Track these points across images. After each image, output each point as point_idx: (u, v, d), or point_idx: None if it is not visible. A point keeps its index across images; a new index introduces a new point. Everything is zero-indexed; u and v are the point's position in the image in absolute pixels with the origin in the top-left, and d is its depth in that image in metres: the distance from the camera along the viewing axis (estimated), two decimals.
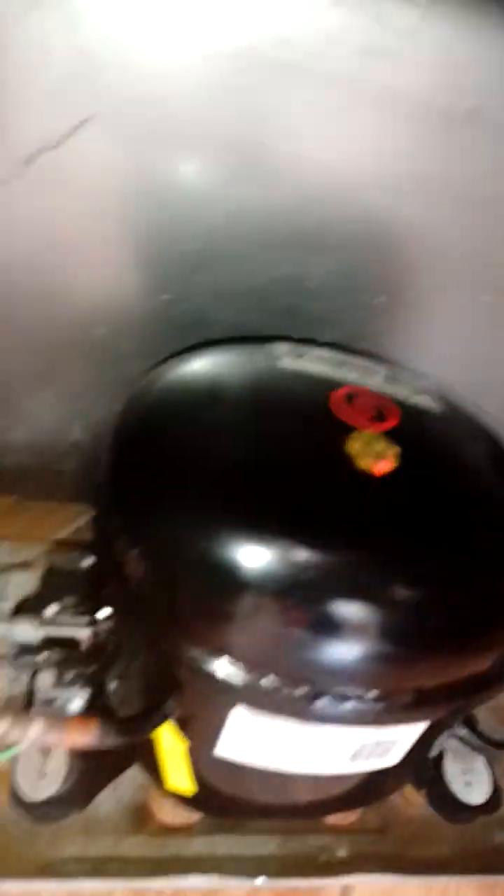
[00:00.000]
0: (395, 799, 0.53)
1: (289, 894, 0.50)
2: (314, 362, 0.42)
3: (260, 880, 0.47)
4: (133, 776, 0.51)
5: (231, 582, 0.33)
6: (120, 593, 0.38)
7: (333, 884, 0.50)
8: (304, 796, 0.45)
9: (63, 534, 0.68)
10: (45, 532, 0.67)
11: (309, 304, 0.50)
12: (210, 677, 0.35)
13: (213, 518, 0.33)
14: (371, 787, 0.44)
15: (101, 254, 0.50)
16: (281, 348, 0.43)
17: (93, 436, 0.60)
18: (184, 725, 0.40)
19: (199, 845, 0.49)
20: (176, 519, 0.34)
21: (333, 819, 0.51)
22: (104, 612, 0.44)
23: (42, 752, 0.47)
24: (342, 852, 0.50)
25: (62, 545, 0.52)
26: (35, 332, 0.54)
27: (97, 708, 0.44)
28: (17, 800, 0.46)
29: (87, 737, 0.36)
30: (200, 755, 0.41)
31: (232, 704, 0.36)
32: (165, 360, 0.45)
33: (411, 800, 0.53)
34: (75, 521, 0.69)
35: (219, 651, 0.35)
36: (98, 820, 0.49)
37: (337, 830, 0.51)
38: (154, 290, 0.51)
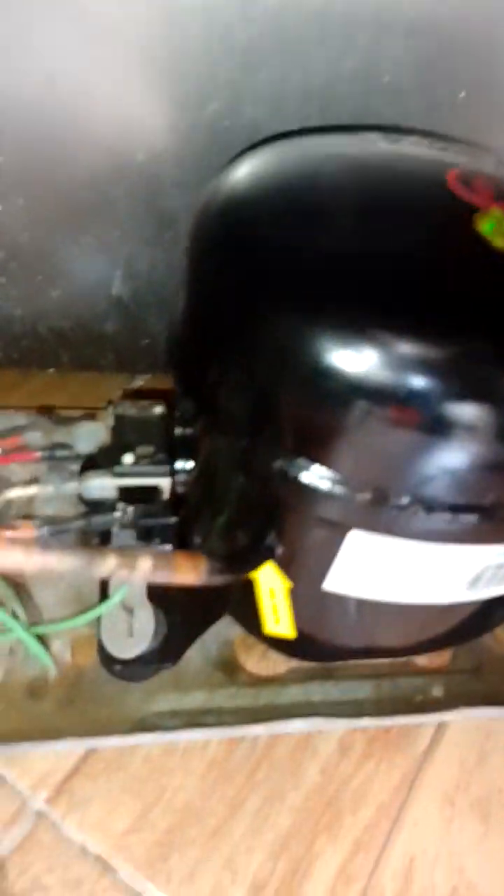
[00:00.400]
0: (486, 640, 0.52)
1: (382, 737, 0.49)
2: (415, 146, 0.36)
3: (364, 721, 0.46)
4: (217, 632, 0.50)
5: (348, 386, 0.29)
6: (213, 421, 0.34)
7: (432, 721, 0.49)
8: (409, 632, 0.43)
9: None
10: (91, 404, 0.64)
11: (379, 105, 0.44)
12: (323, 499, 0.32)
13: (334, 312, 0.29)
14: (482, 619, 0.43)
15: (131, 60, 0.43)
16: (371, 135, 0.37)
17: (133, 289, 0.55)
18: (288, 562, 0.37)
19: (293, 693, 0.47)
20: (285, 319, 0.30)
21: (425, 661, 0.50)
22: (185, 461, 0.41)
23: (127, 610, 0.45)
24: (437, 692, 0.49)
25: (128, 395, 0.48)
26: (66, 172, 0.48)
27: None
28: (106, 659, 0.44)
29: (194, 573, 0.33)
30: (304, 594, 0.39)
31: (346, 528, 0.34)
32: (237, 156, 0.40)
33: (503, 640, 0.52)
34: (119, 392, 0.65)
35: (332, 470, 0.32)
36: (188, 675, 0.47)
37: (430, 672, 0.50)
38: (198, 99, 0.44)
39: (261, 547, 0.36)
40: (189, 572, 0.33)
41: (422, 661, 0.51)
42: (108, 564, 0.31)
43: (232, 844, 0.44)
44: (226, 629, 0.50)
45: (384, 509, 0.32)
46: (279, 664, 0.50)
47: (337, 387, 0.29)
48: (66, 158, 0.47)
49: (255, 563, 0.36)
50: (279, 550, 0.36)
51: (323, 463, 0.31)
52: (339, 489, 0.32)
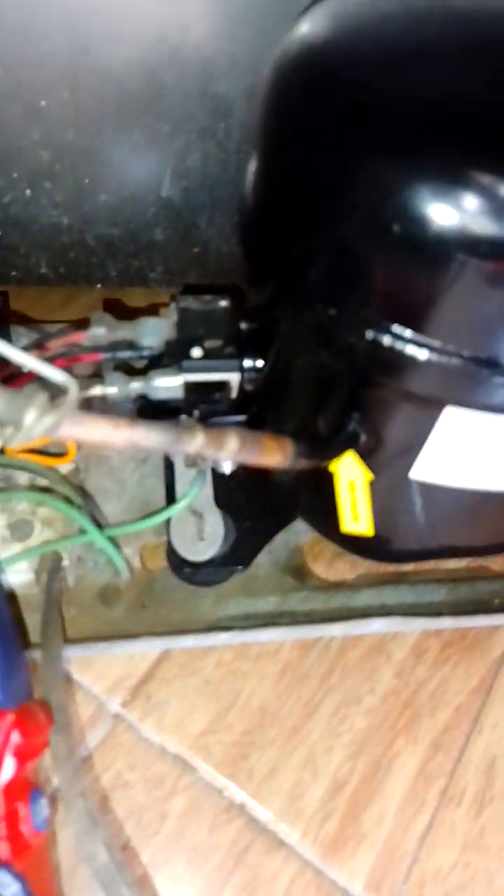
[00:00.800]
0: None
1: (457, 642, 0.48)
2: None
3: (444, 621, 0.45)
4: (285, 539, 0.49)
5: (450, 238, 0.27)
6: (294, 297, 0.32)
7: None
8: (491, 530, 0.41)
9: None
10: None
11: None
12: (416, 371, 0.30)
13: (435, 158, 0.26)
14: None
15: None
16: None
17: (184, 190, 0.52)
18: (372, 449, 0.35)
19: (366, 597, 0.47)
20: (382, 170, 0.27)
21: (501, 566, 0.49)
22: (254, 356, 0.39)
23: (196, 514, 0.44)
24: None
25: (190, 289, 0.46)
26: (113, 57, 0.45)
27: None
28: (177, 564, 0.43)
29: (280, 454, 0.32)
30: (387, 485, 0.37)
31: (441, 405, 0.32)
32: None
33: None
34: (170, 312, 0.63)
35: (428, 336, 0.30)
36: (258, 580, 0.47)
37: None
38: None
39: (344, 433, 0.34)
40: (275, 453, 0.31)
41: (497, 566, 0.49)
42: (195, 441, 0.29)
43: (310, 745, 0.44)
44: (293, 536, 0.49)
45: (485, 381, 0.29)
46: (347, 570, 0.49)
47: (438, 239, 0.27)
48: (114, 41, 0.44)
49: (340, 449, 0.34)
50: (363, 437, 0.34)
51: (418, 329, 0.29)
52: (435, 358, 0.30)
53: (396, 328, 0.29)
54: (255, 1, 0.42)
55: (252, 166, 0.36)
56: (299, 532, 0.49)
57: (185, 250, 0.57)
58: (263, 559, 0.47)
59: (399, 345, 0.30)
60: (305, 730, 0.44)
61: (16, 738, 0.31)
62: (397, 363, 0.30)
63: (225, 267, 0.58)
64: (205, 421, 0.41)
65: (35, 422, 0.25)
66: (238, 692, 0.45)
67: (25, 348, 0.41)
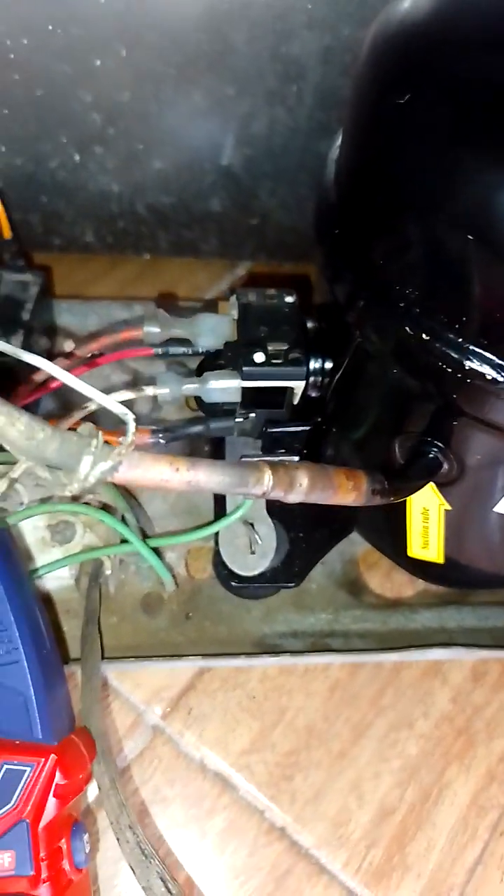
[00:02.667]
0: None
1: None
2: None
3: None
4: (340, 549, 0.46)
5: None
6: (377, 304, 0.28)
7: None
8: None
9: (209, 296, 0.58)
10: (187, 295, 0.58)
11: None
12: None
13: None
14: None
15: None
16: None
17: (247, 158, 0.47)
18: (454, 480, 0.32)
19: (425, 618, 0.44)
20: (492, 170, 0.23)
21: None
22: (321, 360, 0.35)
23: (247, 524, 0.41)
24: None
25: (251, 282, 0.42)
26: (176, 13, 0.40)
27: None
28: (225, 576, 0.41)
29: (354, 493, 0.28)
30: (466, 516, 0.34)
31: None
32: None
33: None
34: (219, 281, 0.59)
35: None
36: (310, 594, 0.44)
37: None
38: None
39: (423, 462, 0.30)
40: (350, 493, 0.28)
41: None
42: (263, 483, 0.26)
43: (357, 769, 0.41)
44: (349, 546, 0.46)
45: None
46: (405, 585, 0.46)
47: None
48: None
49: (419, 483, 0.30)
50: (444, 467, 0.31)
51: None
52: None
53: (491, 352, 0.25)
54: None
55: (336, 151, 0.31)
56: (355, 542, 0.46)
57: (242, 222, 0.52)
58: (316, 571, 0.44)
59: (493, 372, 0.26)
60: (353, 753, 0.42)
61: (58, 778, 0.29)
62: (496, 397, 0.26)
63: (285, 241, 0.54)
64: (264, 429, 0.38)
65: (90, 469, 0.22)
66: (283, 710, 0.42)
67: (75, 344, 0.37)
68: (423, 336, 0.26)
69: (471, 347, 0.26)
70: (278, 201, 0.50)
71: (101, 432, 0.23)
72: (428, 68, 0.24)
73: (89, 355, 0.37)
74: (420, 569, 0.40)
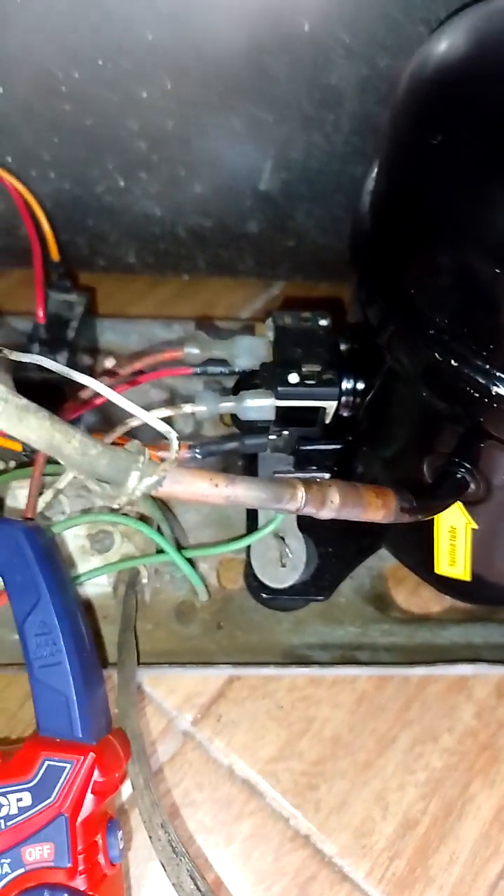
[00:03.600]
0: None
1: None
2: None
3: None
4: (369, 565, 0.47)
5: None
6: (407, 327, 0.29)
7: None
8: None
9: (244, 315, 0.60)
10: (224, 313, 0.60)
11: None
12: None
13: None
14: None
15: None
16: None
17: (284, 182, 0.49)
18: (482, 500, 0.33)
19: (452, 634, 0.44)
20: None
21: None
22: (353, 381, 0.37)
23: (278, 537, 0.42)
24: None
25: (287, 306, 0.43)
26: (220, 44, 0.42)
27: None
28: (255, 587, 0.42)
29: (384, 510, 0.29)
30: (494, 536, 0.34)
31: None
32: (454, 13, 0.32)
33: None
34: (255, 300, 0.61)
35: None
36: (338, 607, 0.45)
37: None
38: None
39: (451, 482, 0.31)
40: (379, 510, 0.29)
41: None
42: (297, 499, 0.27)
43: (382, 780, 0.42)
44: (377, 561, 0.46)
45: None
46: (432, 600, 0.47)
47: None
48: (223, 29, 0.41)
49: (445, 503, 0.31)
50: (472, 487, 0.32)
51: None
52: None
53: None
54: None
55: (372, 180, 0.32)
56: (383, 557, 0.46)
57: (278, 243, 0.54)
58: (345, 585, 0.45)
59: None
60: (378, 764, 0.43)
61: (96, 776, 0.31)
62: None
63: (320, 260, 0.55)
64: (296, 447, 0.39)
65: (137, 484, 0.23)
66: (311, 720, 0.43)
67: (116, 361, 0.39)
68: (452, 362, 0.27)
69: (498, 374, 0.27)
70: (314, 223, 0.51)
71: (147, 449, 0.24)
72: (460, 109, 0.26)
73: (130, 373, 0.39)
74: (447, 586, 0.41)
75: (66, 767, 0.30)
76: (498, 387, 0.27)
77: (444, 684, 0.45)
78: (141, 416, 0.25)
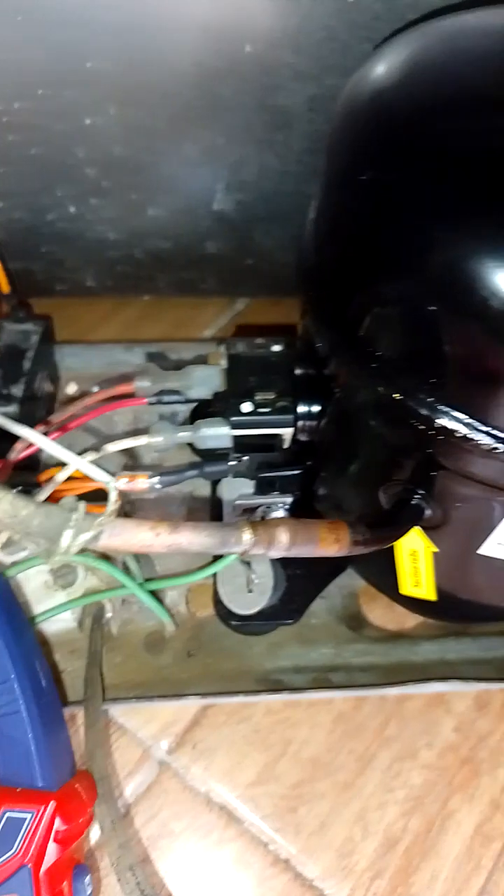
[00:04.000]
0: None
1: None
2: None
3: None
4: (340, 584, 0.46)
5: None
6: (353, 361, 0.29)
7: None
8: None
9: (208, 333, 0.60)
10: (189, 333, 0.59)
11: None
12: (489, 461, 0.27)
13: None
14: None
15: None
16: None
17: (239, 202, 0.49)
18: (438, 526, 0.32)
19: (427, 650, 0.44)
20: (460, 238, 0.23)
21: None
22: (310, 406, 0.37)
23: (244, 563, 0.42)
24: None
25: (240, 332, 0.43)
26: (165, 70, 0.41)
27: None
28: (224, 615, 0.42)
29: (336, 545, 0.29)
30: (453, 558, 0.34)
31: None
32: (385, 40, 0.32)
33: None
34: (220, 318, 0.60)
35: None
36: (312, 629, 0.45)
37: None
38: None
39: (407, 510, 0.31)
40: (332, 545, 0.29)
41: None
42: (243, 542, 0.27)
43: (362, 800, 0.42)
44: (349, 580, 0.46)
45: None
46: (406, 615, 0.46)
47: None
48: (166, 54, 0.40)
49: (402, 531, 0.31)
50: (428, 513, 0.32)
51: (494, 419, 0.26)
52: None
53: (466, 413, 0.26)
54: (319, 9, 0.38)
55: (314, 206, 0.32)
56: (354, 575, 0.46)
57: (239, 262, 0.53)
58: (318, 606, 0.45)
59: (473, 434, 0.26)
60: (358, 784, 0.42)
61: (58, 824, 0.31)
62: (470, 453, 0.27)
63: (282, 277, 0.55)
64: (256, 474, 0.39)
65: (72, 542, 0.23)
66: (288, 742, 0.43)
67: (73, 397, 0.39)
68: (396, 395, 0.27)
69: (441, 407, 0.26)
70: (273, 241, 0.51)
71: (82, 504, 0.24)
72: (389, 145, 0.25)
73: (82, 409, 0.39)
74: (415, 605, 0.41)
75: (26, 818, 0.30)
76: (443, 419, 0.27)
77: (423, 700, 0.45)
78: (72, 463, 0.25)
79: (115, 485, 0.37)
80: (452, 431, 0.26)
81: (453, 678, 0.41)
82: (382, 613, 0.47)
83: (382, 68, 0.28)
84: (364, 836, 0.41)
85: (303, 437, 0.38)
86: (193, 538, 0.26)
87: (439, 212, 0.24)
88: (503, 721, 0.45)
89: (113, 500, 0.24)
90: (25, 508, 0.23)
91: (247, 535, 0.27)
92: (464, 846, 0.41)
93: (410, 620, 0.46)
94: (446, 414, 0.26)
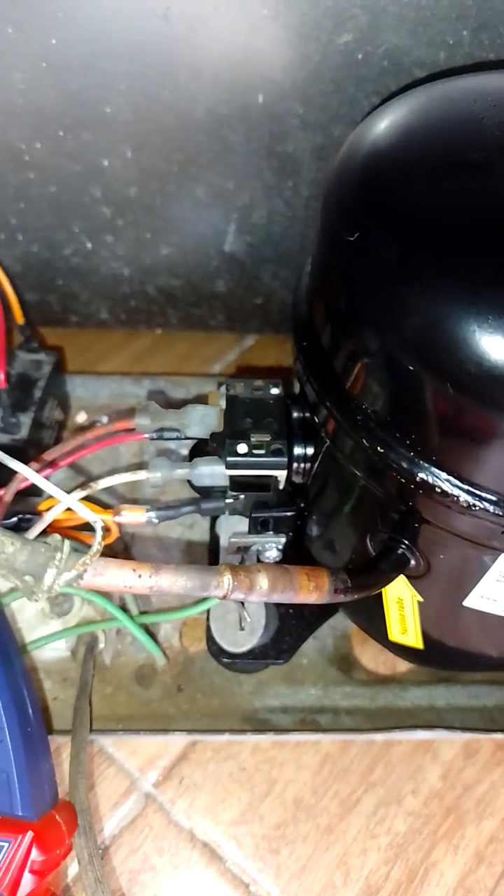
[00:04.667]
0: None
1: None
2: None
3: (497, 735, 0.42)
4: (333, 624, 0.47)
5: None
6: (339, 412, 0.30)
7: None
8: None
9: (217, 368, 0.61)
10: (198, 367, 0.60)
11: None
12: (470, 518, 0.28)
13: (494, 297, 0.23)
14: None
15: None
16: None
17: (248, 244, 0.50)
18: (422, 576, 0.33)
19: (414, 696, 0.44)
20: (438, 304, 0.24)
21: None
22: (304, 448, 0.37)
23: (237, 602, 0.42)
24: None
25: (241, 372, 0.44)
26: (179, 117, 0.43)
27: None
28: (215, 651, 0.42)
29: (317, 593, 0.29)
30: (438, 609, 0.35)
31: (499, 552, 0.29)
32: (382, 103, 0.33)
33: None
34: (228, 353, 0.61)
35: (484, 486, 0.27)
36: (301, 669, 0.45)
37: None
38: (329, 27, 0.38)
39: (391, 558, 0.31)
40: (311, 592, 0.29)
41: None
42: (223, 586, 0.27)
43: (344, 845, 0.42)
44: (342, 620, 0.46)
45: None
46: (398, 661, 0.46)
47: (498, 385, 0.24)
48: (180, 102, 0.42)
49: (385, 579, 0.32)
50: (412, 563, 0.32)
51: (472, 476, 0.26)
52: (492, 508, 0.27)
53: (447, 471, 0.27)
54: (327, 63, 0.39)
55: (310, 259, 0.33)
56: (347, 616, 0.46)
57: (247, 301, 0.55)
58: (308, 646, 0.45)
59: (452, 490, 0.27)
60: (341, 828, 0.42)
61: (35, 855, 0.31)
62: (450, 509, 0.27)
63: (288, 318, 0.56)
64: (250, 514, 0.40)
65: (55, 579, 0.24)
66: (273, 782, 0.43)
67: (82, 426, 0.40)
68: (378, 448, 0.28)
69: (421, 462, 0.27)
70: (280, 282, 0.52)
71: (67, 543, 0.25)
72: (375, 208, 0.26)
73: (81, 443, 0.40)
74: (403, 651, 0.41)
75: (3, 846, 0.30)
76: (423, 474, 0.27)
77: (410, 745, 0.44)
78: (63, 500, 0.26)
79: (117, 519, 0.38)
80: (432, 487, 0.27)
81: (439, 727, 0.41)
82: (374, 656, 0.47)
83: (375, 130, 0.29)
84: (345, 882, 0.41)
85: (297, 479, 0.38)
86: (175, 580, 0.26)
87: (414, 274, 0.25)
88: (490, 771, 0.44)
89: (98, 541, 0.25)
90: (12, 545, 0.23)
91: (227, 580, 0.27)
92: None
93: (402, 665, 0.46)
94: (426, 469, 0.27)
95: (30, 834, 0.31)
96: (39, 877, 0.31)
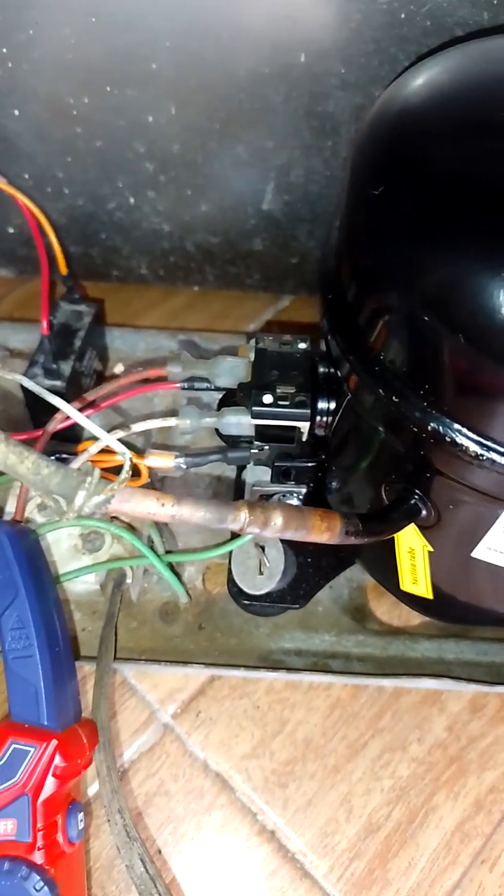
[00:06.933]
0: None
1: None
2: None
3: (501, 689, 0.43)
4: (349, 576, 0.48)
5: None
6: (361, 366, 0.31)
7: None
8: None
9: (251, 327, 0.62)
10: (233, 325, 0.62)
11: None
12: (482, 471, 0.29)
13: None
14: None
15: None
16: None
17: (286, 204, 0.51)
18: (433, 526, 0.34)
19: (424, 648, 0.46)
20: (461, 259, 0.25)
21: None
22: (328, 403, 0.38)
23: (259, 546, 0.44)
24: None
25: (270, 328, 0.45)
26: (222, 75, 0.44)
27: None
28: (235, 593, 0.44)
29: (328, 533, 0.31)
30: (447, 559, 0.36)
31: None
32: (416, 61, 0.34)
33: None
34: (263, 312, 0.63)
35: (494, 437, 0.28)
36: (316, 616, 0.47)
37: None
38: None
39: (404, 507, 0.33)
40: (323, 532, 0.31)
41: None
42: (239, 520, 0.29)
43: (349, 784, 0.44)
44: (359, 574, 0.48)
45: None
46: (412, 615, 0.48)
47: None
48: (223, 60, 0.43)
49: (396, 526, 0.33)
50: (423, 513, 0.33)
51: (482, 428, 0.28)
52: (501, 460, 0.28)
53: (462, 424, 0.28)
54: (369, 23, 0.40)
55: (338, 214, 0.34)
56: (364, 569, 0.48)
57: (283, 260, 0.56)
58: (324, 595, 0.47)
59: (462, 441, 0.28)
60: (347, 769, 0.44)
61: (58, 760, 0.34)
62: (460, 459, 0.28)
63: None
64: (273, 463, 0.41)
65: (85, 501, 0.26)
66: (285, 722, 0.45)
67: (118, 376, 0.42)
68: (394, 398, 0.29)
69: (434, 413, 0.28)
70: (316, 243, 0.53)
71: (97, 470, 0.27)
72: (401, 163, 0.27)
73: (117, 388, 0.42)
74: (413, 602, 0.42)
75: (30, 751, 0.33)
76: (435, 425, 0.28)
77: (418, 696, 0.46)
78: (101, 437, 0.28)
79: (147, 462, 0.40)
80: (443, 437, 0.28)
81: (446, 677, 0.43)
82: (388, 610, 0.48)
83: (409, 87, 0.29)
84: (348, 818, 0.43)
85: (320, 432, 0.40)
86: (195, 511, 0.28)
87: (435, 228, 0.26)
88: (495, 726, 0.46)
89: (126, 470, 0.27)
90: (47, 468, 0.25)
91: (243, 514, 0.29)
92: (443, 841, 0.43)
93: (415, 619, 0.48)
94: (438, 420, 0.28)
95: (54, 742, 0.34)
96: (61, 781, 0.34)
